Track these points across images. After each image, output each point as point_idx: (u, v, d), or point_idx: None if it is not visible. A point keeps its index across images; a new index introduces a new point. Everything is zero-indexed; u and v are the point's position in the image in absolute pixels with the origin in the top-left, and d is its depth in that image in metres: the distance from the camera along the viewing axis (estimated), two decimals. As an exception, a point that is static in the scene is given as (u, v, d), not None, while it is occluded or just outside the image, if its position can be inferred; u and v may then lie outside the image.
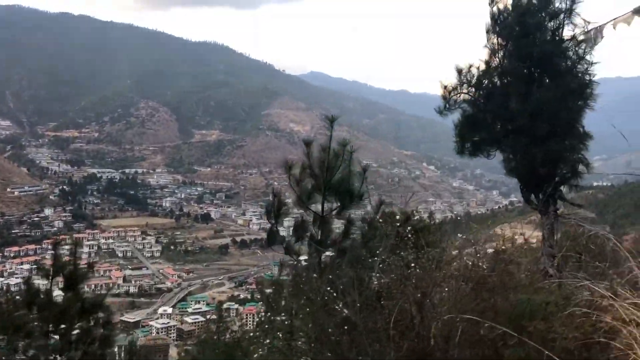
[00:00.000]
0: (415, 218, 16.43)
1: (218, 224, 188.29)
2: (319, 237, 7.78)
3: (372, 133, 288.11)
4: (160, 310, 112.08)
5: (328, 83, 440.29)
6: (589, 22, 8.02)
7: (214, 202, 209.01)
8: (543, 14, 7.95)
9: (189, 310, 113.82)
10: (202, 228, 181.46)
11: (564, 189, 8.10)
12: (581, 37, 7.90)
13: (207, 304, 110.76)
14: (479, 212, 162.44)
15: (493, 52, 8.28)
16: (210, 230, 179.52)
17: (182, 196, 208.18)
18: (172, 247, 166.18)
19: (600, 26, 7.83)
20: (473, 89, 8.38)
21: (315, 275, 5.75)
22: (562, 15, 7.90)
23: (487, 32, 8.28)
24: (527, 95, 7.62)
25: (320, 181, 7.64)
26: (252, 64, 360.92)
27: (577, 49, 7.92)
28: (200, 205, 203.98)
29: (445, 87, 8.59)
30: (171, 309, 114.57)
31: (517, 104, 7.66)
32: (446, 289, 4.82)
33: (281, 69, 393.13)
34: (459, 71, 8.41)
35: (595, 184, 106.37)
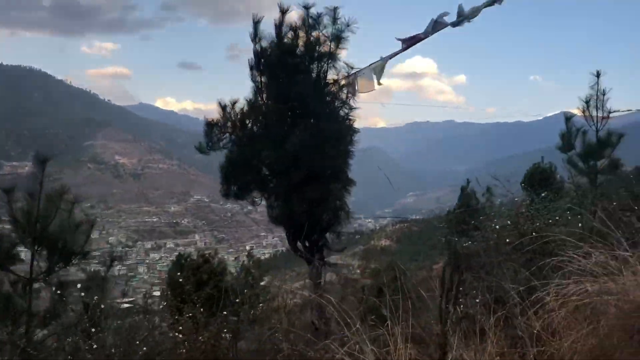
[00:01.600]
0: (216, 260, 15.48)
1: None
2: (25, 307, 6.51)
3: (205, 168, 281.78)
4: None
5: (158, 116, 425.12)
6: (352, 67, 7.97)
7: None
8: (306, 56, 7.69)
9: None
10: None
11: (329, 236, 7.81)
12: (342, 82, 7.79)
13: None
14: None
15: (257, 91, 7.82)
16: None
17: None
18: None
19: (356, 72, 7.81)
20: (237, 128, 7.82)
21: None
22: (324, 59, 7.70)
23: (252, 68, 7.81)
24: (287, 139, 7.23)
25: (26, 236, 6.46)
26: (74, 92, 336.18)
27: (339, 93, 7.77)
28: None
29: (209, 123, 7.89)
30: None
31: (277, 147, 7.22)
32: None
33: (106, 99, 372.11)
34: (223, 107, 7.79)
35: (410, 217, 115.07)
